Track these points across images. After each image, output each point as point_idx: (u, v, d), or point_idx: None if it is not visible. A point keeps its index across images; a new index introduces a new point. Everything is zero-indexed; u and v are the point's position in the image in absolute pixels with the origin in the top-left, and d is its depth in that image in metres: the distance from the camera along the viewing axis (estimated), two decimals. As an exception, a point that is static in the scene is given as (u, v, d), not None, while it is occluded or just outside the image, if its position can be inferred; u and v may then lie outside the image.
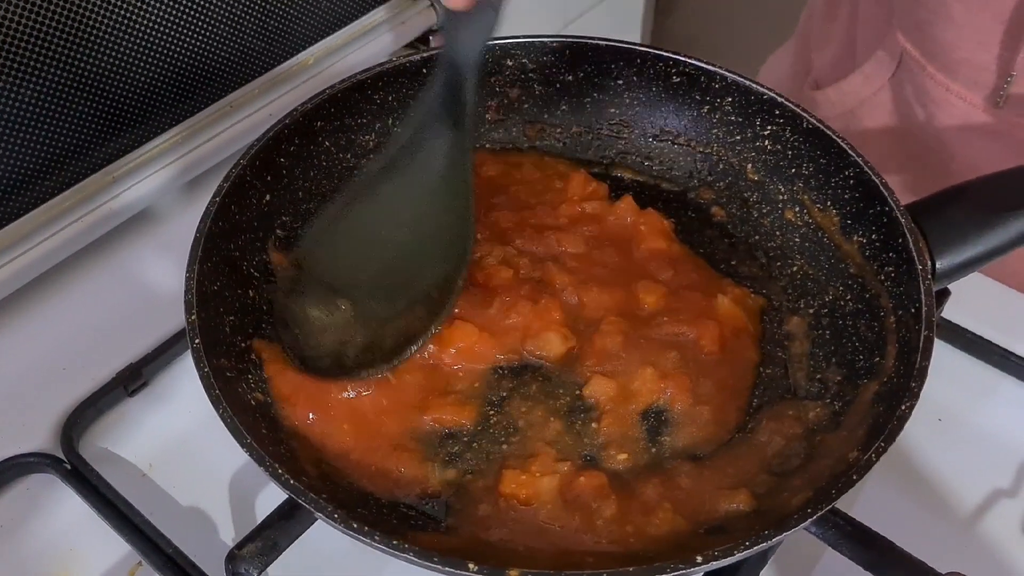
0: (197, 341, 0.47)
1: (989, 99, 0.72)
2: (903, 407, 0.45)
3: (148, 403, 0.63)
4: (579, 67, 0.67)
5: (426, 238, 0.56)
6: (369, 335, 0.53)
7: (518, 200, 0.66)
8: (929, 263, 0.53)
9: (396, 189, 0.55)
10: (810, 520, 0.42)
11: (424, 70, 0.66)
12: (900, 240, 0.53)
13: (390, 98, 0.65)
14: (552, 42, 0.67)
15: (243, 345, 0.53)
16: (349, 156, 0.64)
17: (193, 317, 0.48)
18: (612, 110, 0.69)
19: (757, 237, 0.64)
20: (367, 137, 0.65)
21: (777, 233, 0.63)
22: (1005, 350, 0.64)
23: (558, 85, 0.69)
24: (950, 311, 0.64)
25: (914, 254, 0.52)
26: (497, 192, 0.66)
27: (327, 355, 0.53)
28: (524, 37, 0.67)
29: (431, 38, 0.89)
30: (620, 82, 0.68)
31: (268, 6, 0.76)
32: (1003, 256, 0.55)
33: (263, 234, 0.59)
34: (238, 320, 0.54)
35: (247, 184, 0.57)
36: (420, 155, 0.55)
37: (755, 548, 0.40)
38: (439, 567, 0.40)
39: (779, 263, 0.62)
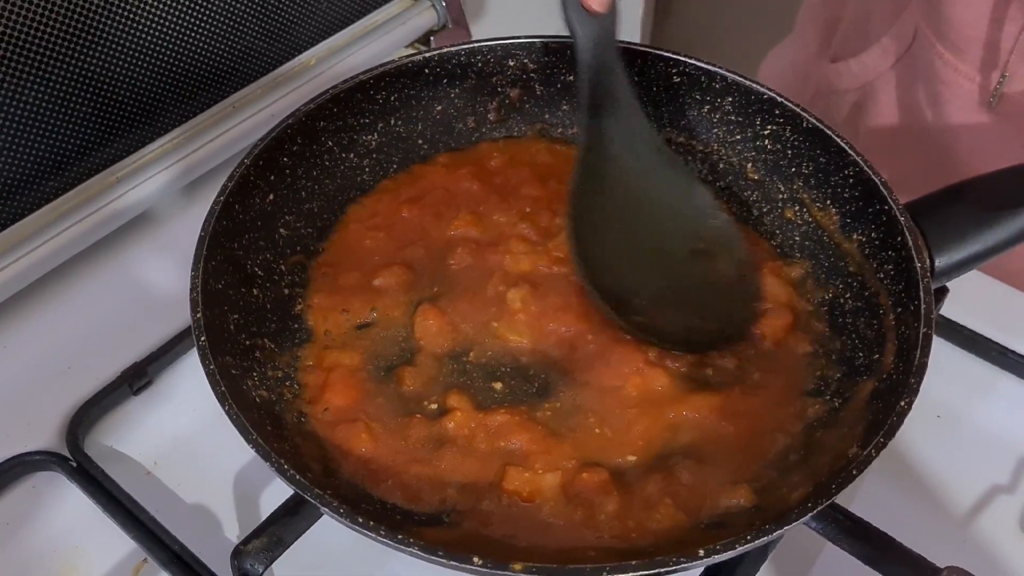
0: (203, 339, 0.48)
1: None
2: (902, 403, 0.45)
3: (152, 402, 0.63)
4: (580, 67, 0.68)
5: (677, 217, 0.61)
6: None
7: (540, 176, 0.66)
8: (928, 261, 0.54)
9: (622, 189, 0.61)
10: (810, 515, 0.42)
11: (426, 70, 0.66)
12: (899, 238, 0.54)
13: (392, 98, 0.66)
14: (553, 42, 0.67)
15: (247, 343, 0.54)
16: (352, 156, 0.65)
17: (199, 315, 0.49)
18: (613, 110, 0.69)
19: (756, 236, 0.64)
20: (369, 137, 0.66)
21: (777, 232, 0.64)
22: (1004, 347, 0.65)
23: (559, 85, 0.69)
24: (949, 309, 0.64)
25: (913, 252, 0.52)
26: (513, 170, 0.67)
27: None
28: (525, 37, 0.67)
29: (432, 39, 0.90)
30: (620, 82, 0.68)
31: (270, 7, 0.77)
32: (1002, 254, 0.55)
33: (267, 233, 0.59)
34: (242, 318, 0.54)
35: (251, 184, 0.57)
36: (614, 150, 0.61)
37: (756, 542, 0.41)
38: (443, 560, 0.40)
39: (779, 262, 0.63)
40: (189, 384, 0.64)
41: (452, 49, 0.66)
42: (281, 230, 0.60)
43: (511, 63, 0.68)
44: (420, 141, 0.68)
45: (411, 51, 0.87)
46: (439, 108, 0.68)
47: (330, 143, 0.64)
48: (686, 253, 0.60)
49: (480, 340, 0.58)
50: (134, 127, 0.72)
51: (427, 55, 0.66)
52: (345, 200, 0.64)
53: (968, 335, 0.65)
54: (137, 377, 0.63)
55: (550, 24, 0.64)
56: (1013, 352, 0.64)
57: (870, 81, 0.85)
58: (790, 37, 0.99)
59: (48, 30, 0.62)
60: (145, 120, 0.72)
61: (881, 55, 0.83)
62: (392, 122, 0.67)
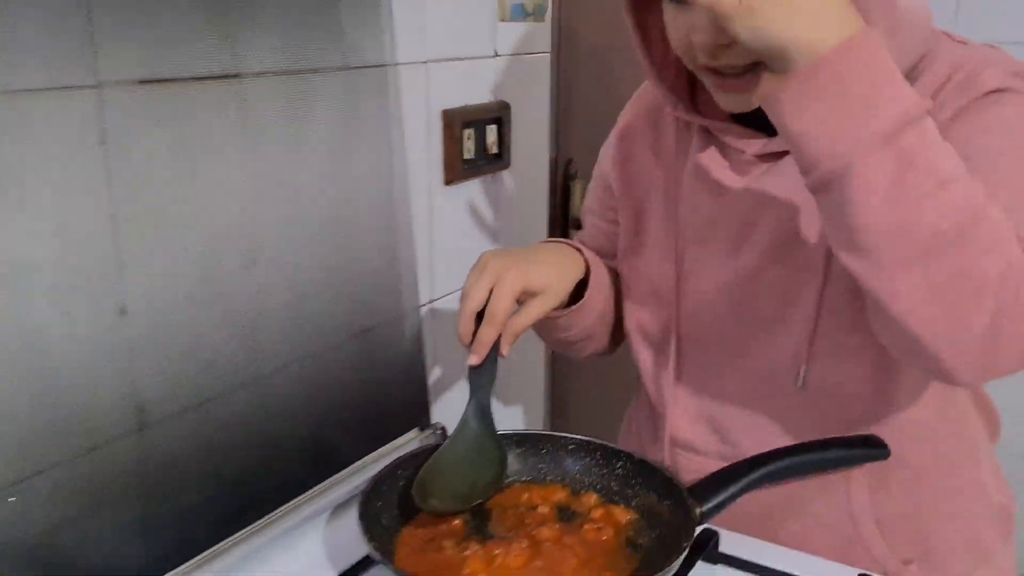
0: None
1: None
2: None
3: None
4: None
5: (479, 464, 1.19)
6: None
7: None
8: (696, 511, 1.16)
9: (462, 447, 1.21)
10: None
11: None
12: (682, 501, 1.17)
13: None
14: (529, 432, 1.33)
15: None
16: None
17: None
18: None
19: (614, 504, 1.25)
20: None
21: (628, 503, 1.25)
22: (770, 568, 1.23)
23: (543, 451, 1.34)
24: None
25: (688, 505, 1.15)
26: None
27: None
28: (509, 431, 1.33)
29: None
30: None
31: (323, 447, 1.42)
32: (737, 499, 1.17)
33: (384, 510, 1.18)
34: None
35: (372, 494, 1.18)
36: (468, 434, 1.22)
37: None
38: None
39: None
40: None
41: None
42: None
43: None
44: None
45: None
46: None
47: (401, 482, 1.25)
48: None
49: None
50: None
51: (443, 439, 1.31)
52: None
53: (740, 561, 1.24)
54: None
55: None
56: (770, 569, 1.22)
57: None
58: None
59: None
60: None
61: None
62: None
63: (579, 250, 1.37)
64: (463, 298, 1.20)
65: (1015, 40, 2.13)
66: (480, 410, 1.23)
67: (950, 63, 1.07)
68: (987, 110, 1.02)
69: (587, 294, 1.33)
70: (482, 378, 1.20)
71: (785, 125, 0.90)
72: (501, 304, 1.18)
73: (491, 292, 1.19)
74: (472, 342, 1.19)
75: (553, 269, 1.28)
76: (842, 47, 0.86)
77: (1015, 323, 0.88)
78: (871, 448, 1.20)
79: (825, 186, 0.90)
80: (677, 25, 1.08)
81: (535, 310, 1.23)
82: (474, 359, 1.18)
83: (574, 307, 1.33)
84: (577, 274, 1.33)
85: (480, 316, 1.19)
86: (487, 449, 1.22)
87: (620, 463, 1.29)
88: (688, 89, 1.24)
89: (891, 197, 0.86)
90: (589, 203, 1.51)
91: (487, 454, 1.22)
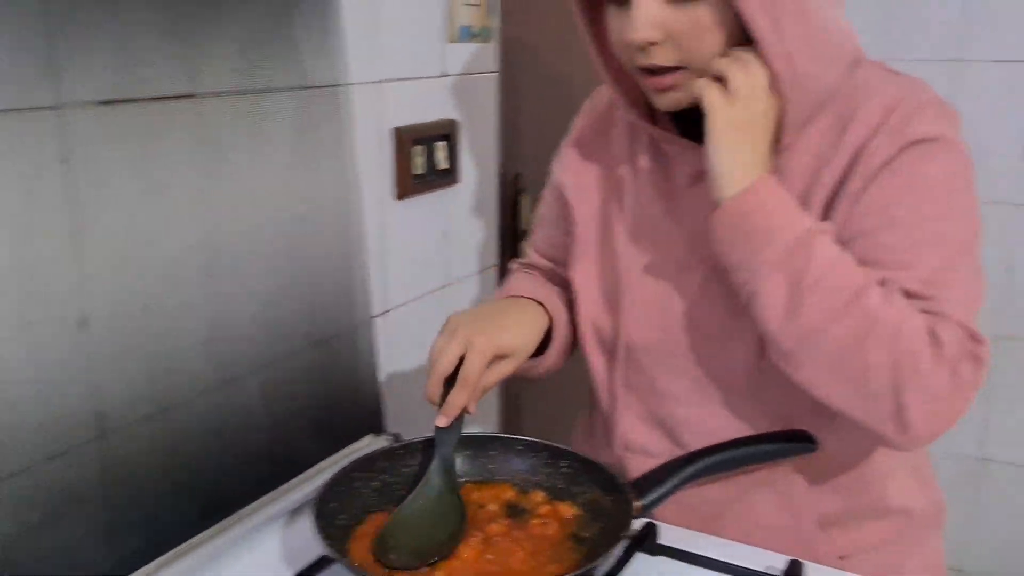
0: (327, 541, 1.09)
1: None
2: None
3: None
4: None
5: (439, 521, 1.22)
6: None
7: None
8: (636, 505, 1.23)
9: (424, 502, 1.24)
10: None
11: (400, 451, 1.35)
12: (625, 498, 1.24)
13: (384, 464, 1.34)
14: (481, 435, 1.39)
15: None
16: (366, 491, 1.30)
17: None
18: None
19: (561, 501, 1.32)
20: (374, 483, 1.31)
21: (574, 500, 1.31)
22: (707, 557, 1.30)
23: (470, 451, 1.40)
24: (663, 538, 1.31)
25: (630, 502, 1.21)
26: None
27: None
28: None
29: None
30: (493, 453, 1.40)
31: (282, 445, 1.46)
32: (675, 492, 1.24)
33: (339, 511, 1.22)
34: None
35: (327, 495, 1.22)
36: (430, 490, 1.25)
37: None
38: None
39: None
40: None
41: (415, 440, 1.37)
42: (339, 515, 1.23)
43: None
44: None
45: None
46: (413, 464, 1.35)
47: (356, 483, 1.29)
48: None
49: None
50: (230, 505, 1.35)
51: (397, 444, 1.36)
52: (365, 511, 1.28)
53: (678, 551, 1.31)
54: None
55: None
56: (705, 557, 1.30)
57: None
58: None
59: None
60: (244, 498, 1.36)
61: None
62: (386, 476, 1.33)
63: (541, 303, 1.44)
64: (433, 362, 1.26)
65: (940, 58, 2.27)
66: (444, 466, 1.26)
67: (884, 103, 1.12)
68: (915, 164, 1.10)
69: (548, 353, 1.44)
70: (449, 435, 1.27)
71: (721, 259, 1.13)
72: (474, 372, 1.25)
73: (462, 357, 1.25)
74: (440, 402, 1.26)
75: (520, 332, 1.35)
76: (745, 192, 1.08)
77: (920, 404, 1.04)
78: (801, 442, 1.28)
79: (747, 304, 1.12)
80: (616, 26, 1.14)
81: (501, 371, 1.31)
82: (443, 420, 1.25)
83: (536, 360, 1.43)
84: (542, 329, 1.42)
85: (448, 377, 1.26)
86: (447, 506, 1.23)
87: (565, 462, 1.36)
88: (645, 102, 1.27)
89: (790, 312, 1.06)
90: (543, 213, 1.57)
91: (447, 511, 1.22)
